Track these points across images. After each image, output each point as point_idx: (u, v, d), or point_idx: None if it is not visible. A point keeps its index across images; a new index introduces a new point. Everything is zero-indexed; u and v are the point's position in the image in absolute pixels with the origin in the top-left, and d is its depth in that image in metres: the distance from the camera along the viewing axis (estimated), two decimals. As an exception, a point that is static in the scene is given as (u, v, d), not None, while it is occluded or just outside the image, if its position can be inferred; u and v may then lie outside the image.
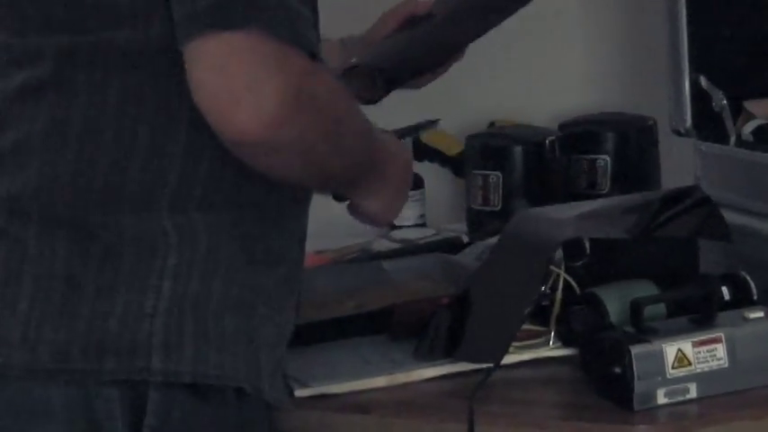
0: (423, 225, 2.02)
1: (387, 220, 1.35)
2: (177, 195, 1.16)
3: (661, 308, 1.40)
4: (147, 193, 1.16)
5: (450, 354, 1.41)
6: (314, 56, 1.13)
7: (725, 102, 1.74)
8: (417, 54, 1.54)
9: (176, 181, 1.17)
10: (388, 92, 1.49)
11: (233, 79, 1.09)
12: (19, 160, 1.18)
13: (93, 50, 1.16)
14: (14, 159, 1.18)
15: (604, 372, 1.30)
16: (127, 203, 1.16)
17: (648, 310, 1.34)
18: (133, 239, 1.14)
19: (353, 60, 1.50)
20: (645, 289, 1.42)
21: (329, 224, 1.51)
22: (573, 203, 1.70)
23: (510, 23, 1.64)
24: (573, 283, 1.45)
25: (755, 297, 1.45)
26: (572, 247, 1.48)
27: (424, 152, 2.06)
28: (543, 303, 1.46)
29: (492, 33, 1.59)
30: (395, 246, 1.93)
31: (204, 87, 1.10)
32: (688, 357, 1.30)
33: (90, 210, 1.16)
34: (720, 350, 1.31)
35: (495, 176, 1.92)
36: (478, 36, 1.57)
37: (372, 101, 1.47)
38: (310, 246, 1.29)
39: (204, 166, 1.17)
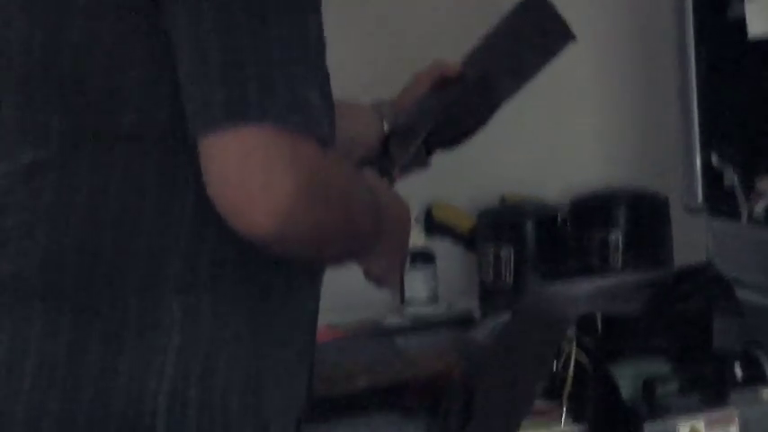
0: (434, 300, 2.02)
1: (391, 280, 1.36)
2: (182, 274, 1.17)
3: (674, 384, 1.40)
4: (151, 272, 1.17)
5: (463, 430, 1.39)
6: (325, 142, 1.14)
7: (736, 179, 1.75)
8: (455, 116, 1.55)
9: (181, 260, 1.17)
10: (429, 155, 1.50)
11: (248, 178, 1.10)
12: (24, 239, 1.18)
13: (98, 132, 1.17)
14: (20, 238, 1.19)
15: (618, 449, 1.29)
16: (131, 282, 1.16)
17: (661, 387, 1.34)
18: (138, 318, 1.14)
19: (388, 126, 1.52)
20: (658, 365, 1.42)
21: (342, 298, 1.52)
22: (585, 279, 1.70)
23: (521, 97, 1.63)
24: (585, 361, 1.44)
25: (769, 375, 1.46)
26: (585, 323, 1.47)
27: (435, 228, 2.07)
28: (555, 380, 1.45)
29: (503, 107, 1.59)
30: (407, 321, 1.94)
31: (219, 185, 1.11)
32: (702, 436, 1.30)
33: (94, 288, 1.16)
34: (734, 430, 1.31)
35: (507, 251, 1.92)
36: (512, 94, 1.58)
37: (415, 166, 1.49)
38: (323, 319, 1.29)
39: (209, 245, 1.17)
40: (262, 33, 1.12)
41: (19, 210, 1.19)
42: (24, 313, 1.14)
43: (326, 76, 1.18)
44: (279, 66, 1.12)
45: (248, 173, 1.10)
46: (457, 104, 1.54)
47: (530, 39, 1.58)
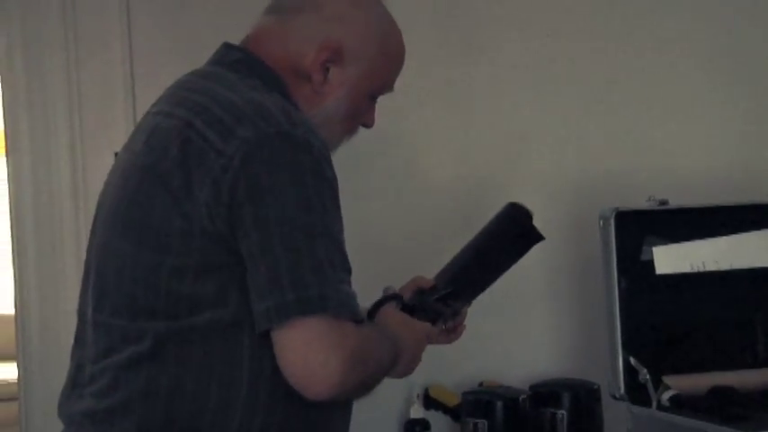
0: (430, 458, 2.19)
1: (407, 375, 1.46)
2: (240, 427, 1.28)
3: None
4: (217, 427, 1.27)
5: None
6: (357, 321, 1.27)
7: (648, 376, 1.92)
8: (430, 313, 1.62)
9: (239, 422, 1.27)
10: None
11: (311, 362, 1.22)
12: (125, 413, 1.29)
13: (181, 331, 1.26)
14: (122, 412, 1.29)
15: None
16: None
17: None
18: None
19: None
20: None
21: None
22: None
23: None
24: None
25: None
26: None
27: (431, 403, 2.26)
28: None
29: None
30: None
31: (291, 367, 1.23)
32: None
33: None
34: None
35: (483, 423, 2.11)
36: (474, 298, 1.66)
37: None
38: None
39: (261, 409, 1.28)
40: (314, 250, 1.22)
41: (123, 391, 1.30)
42: None
43: (350, 269, 1.30)
44: (328, 271, 1.23)
45: (311, 358, 1.21)
46: (431, 305, 1.62)
47: (507, 241, 1.65)
